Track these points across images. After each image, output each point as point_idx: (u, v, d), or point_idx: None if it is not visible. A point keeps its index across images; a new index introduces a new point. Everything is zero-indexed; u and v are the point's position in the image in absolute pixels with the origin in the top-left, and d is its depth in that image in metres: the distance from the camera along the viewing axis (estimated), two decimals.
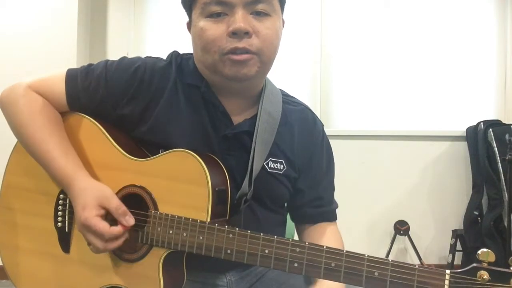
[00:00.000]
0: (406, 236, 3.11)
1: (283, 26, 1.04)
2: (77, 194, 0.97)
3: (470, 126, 3.16)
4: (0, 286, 2.49)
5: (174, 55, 1.08)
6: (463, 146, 3.21)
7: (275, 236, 0.88)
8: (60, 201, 1.05)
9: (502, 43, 3.30)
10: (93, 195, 0.95)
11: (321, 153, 1.14)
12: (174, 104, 1.03)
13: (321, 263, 0.85)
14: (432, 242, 3.24)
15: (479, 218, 3.05)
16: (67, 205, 1.04)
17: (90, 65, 1.07)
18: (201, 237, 0.91)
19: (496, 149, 2.95)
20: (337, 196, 1.18)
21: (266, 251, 0.88)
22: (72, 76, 1.05)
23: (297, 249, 0.86)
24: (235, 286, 1.08)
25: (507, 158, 2.68)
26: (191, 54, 1.06)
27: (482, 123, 3.09)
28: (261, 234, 0.89)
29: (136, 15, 3.38)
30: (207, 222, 0.91)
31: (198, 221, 0.92)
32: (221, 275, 1.08)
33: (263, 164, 1.04)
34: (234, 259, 0.90)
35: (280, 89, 1.15)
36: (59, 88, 1.05)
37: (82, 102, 1.05)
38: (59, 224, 1.04)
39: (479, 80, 3.29)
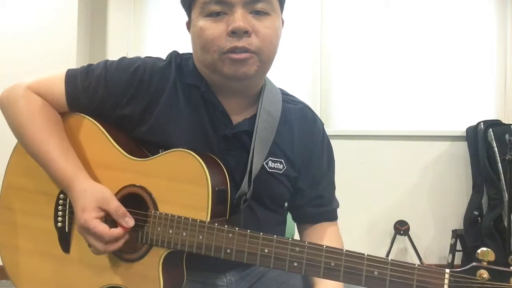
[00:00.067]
0: (406, 236, 3.11)
1: (282, 25, 1.04)
2: (77, 196, 0.97)
3: (470, 126, 3.16)
4: (0, 286, 2.49)
5: (174, 55, 1.08)
6: (463, 146, 3.21)
7: (275, 236, 0.88)
8: (60, 201, 1.05)
9: (502, 43, 3.30)
10: (93, 197, 0.96)
11: (321, 152, 1.14)
12: (173, 104, 1.03)
13: (320, 262, 0.85)
14: (432, 242, 3.24)
15: (479, 218, 3.05)
16: (67, 205, 1.04)
17: (90, 65, 1.07)
18: (200, 237, 0.91)
19: (496, 149, 2.95)
20: (337, 196, 1.18)
21: (266, 251, 0.88)
22: (71, 77, 1.05)
23: (297, 249, 0.86)
24: (235, 286, 1.08)
25: (507, 158, 2.68)
26: (191, 54, 1.07)
27: (482, 123, 3.08)
28: (261, 233, 0.89)
29: (136, 15, 3.38)
30: (206, 222, 0.91)
31: (198, 220, 0.92)
32: (221, 275, 1.08)
33: (263, 164, 1.04)
34: (234, 259, 0.90)
35: (280, 88, 1.15)
36: (59, 88, 1.05)
37: (82, 102, 1.05)
38: (59, 224, 1.04)
39: (479, 80, 3.29)
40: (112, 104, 1.03)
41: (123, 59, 1.07)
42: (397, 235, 3.12)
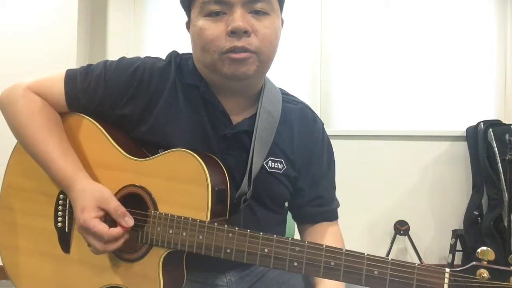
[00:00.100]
0: (406, 236, 3.11)
1: (282, 25, 1.04)
2: (76, 196, 0.97)
3: (470, 126, 3.16)
4: (0, 286, 2.49)
5: (173, 55, 1.08)
6: (463, 146, 3.21)
7: (275, 235, 0.88)
8: (60, 201, 1.05)
9: (502, 43, 3.30)
10: (92, 196, 0.96)
11: (321, 151, 1.14)
12: (173, 104, 1.03)
13: (320, 262, 0.85)
14: (432, 242, 3.24)
15: (479, 218, 3.05)
16: (67, 205, 1.04)
17: (89, 65, 1.08)
18: (200, 237, 0.91)
19: (496, 149, 2.95)
20: (337, 196, 1.18)
21: (266, 250, 0.88)
22: (71, 77, 1.05)
23: (297, 248, 0.86)
24: (235, 286, 1.08)
25: (507, 158, 2.68)
26: (190, 54, 1.06)
27: (482, 123, 3.08)
28: (261, 233, 0.89)
29: (136, 15, 3.38)
30: (206, 222, 0.91)
31: (198, 220, 0.92)
32: (221, 275, 1.08)
33: (263, 164, 1.04)
34: (234, 259, 0.90)
35: (280, 88, 1.15)
36: (59, 88, 1.05)
37: (82, 102, 1.05)
38: (59, 224, 1.04)
39: (479, 80, 3.29)
40: (112, 104, 1.03)
41: (122, 59, 1.07)
42: (397, 235, 3.12)
